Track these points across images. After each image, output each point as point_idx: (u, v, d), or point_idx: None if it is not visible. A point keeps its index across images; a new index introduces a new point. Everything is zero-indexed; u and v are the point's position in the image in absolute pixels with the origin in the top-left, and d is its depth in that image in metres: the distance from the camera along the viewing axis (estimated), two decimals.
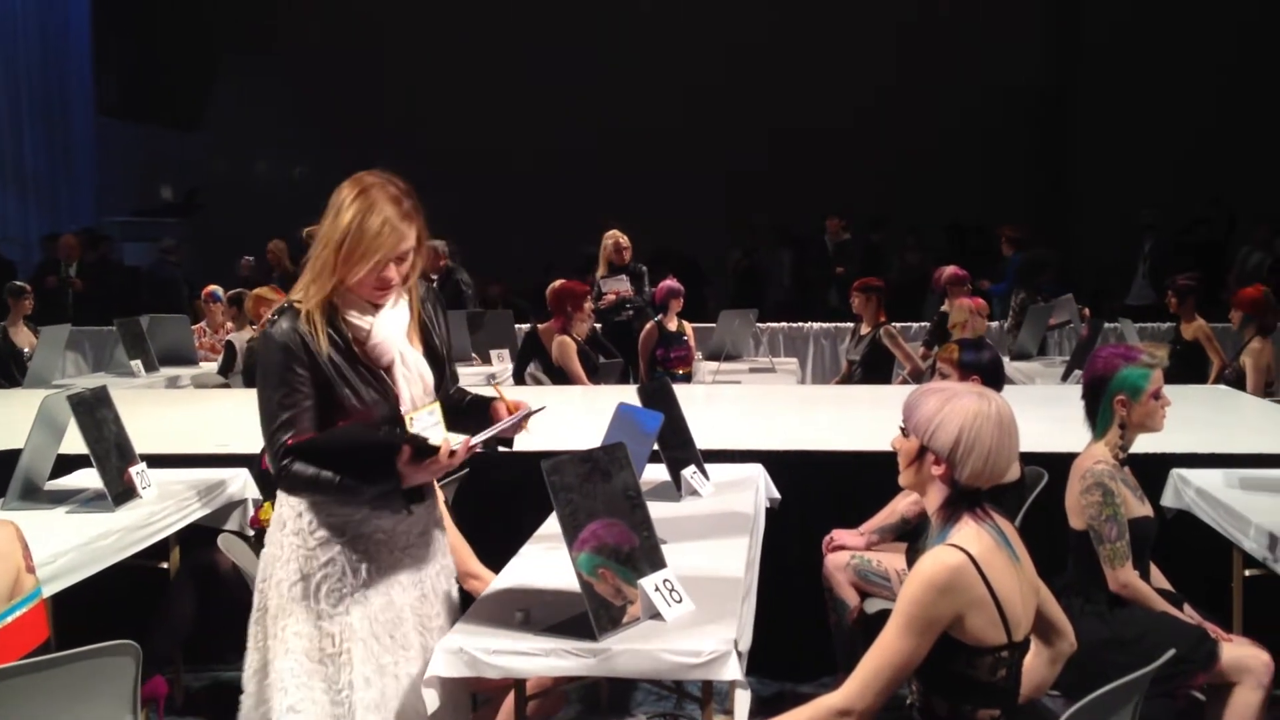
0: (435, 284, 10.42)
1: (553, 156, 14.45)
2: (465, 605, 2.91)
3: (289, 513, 2.70)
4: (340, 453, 2.58)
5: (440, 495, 3.03)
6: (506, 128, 14.73)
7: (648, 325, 8.00)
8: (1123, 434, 3.45)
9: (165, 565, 4.21)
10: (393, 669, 2.67)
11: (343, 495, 2.62)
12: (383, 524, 2.71)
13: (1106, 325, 8.26)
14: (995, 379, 3.94)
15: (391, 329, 2.70)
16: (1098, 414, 3.47)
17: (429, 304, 2.84)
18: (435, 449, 2.56)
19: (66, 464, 4.36)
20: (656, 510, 3.06)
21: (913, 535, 3.94)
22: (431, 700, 2.57)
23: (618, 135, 14.49)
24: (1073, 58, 15.60)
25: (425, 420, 2.69)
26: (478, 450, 2.65)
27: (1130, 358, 3.44)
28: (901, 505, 4.13)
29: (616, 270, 8.87)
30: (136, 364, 7.93)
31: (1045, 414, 4.82)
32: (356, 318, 2.67)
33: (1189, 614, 3.38)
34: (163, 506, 3.99)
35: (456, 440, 2.62)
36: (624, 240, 8.95)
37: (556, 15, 14.95)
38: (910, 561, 3.59)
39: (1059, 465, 3.71)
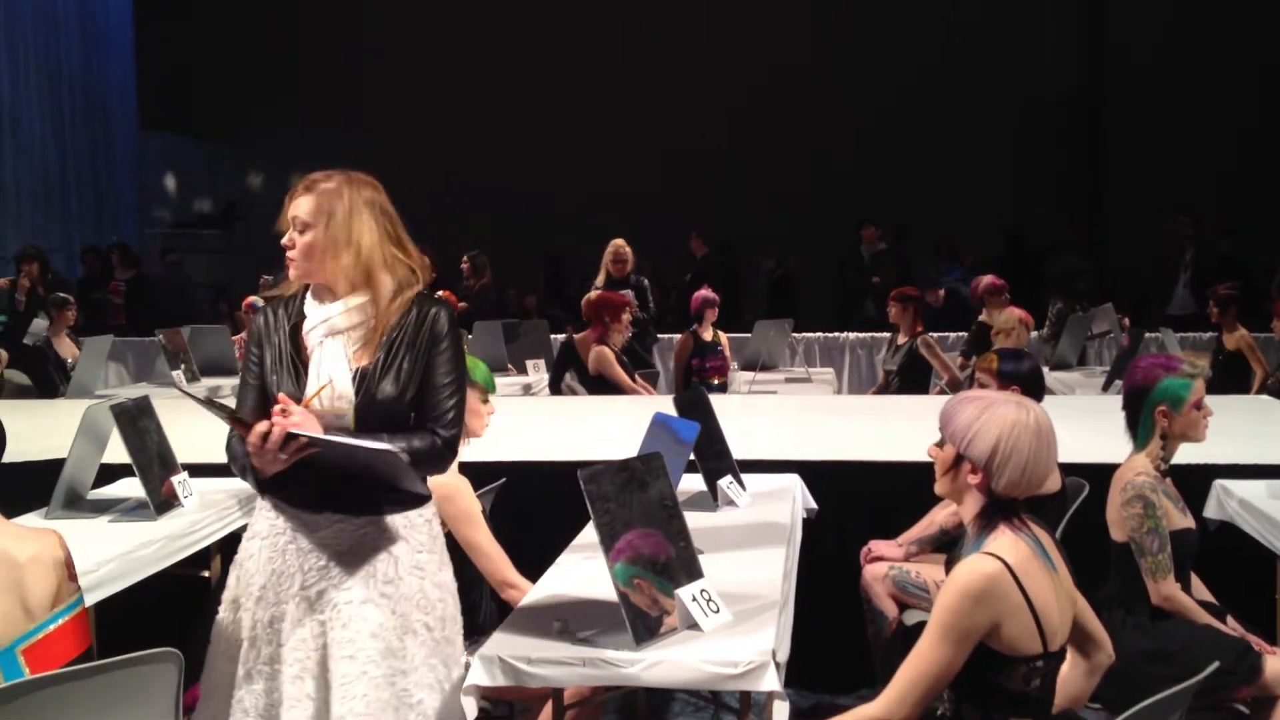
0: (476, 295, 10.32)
1: (584, 169, 14.47)
2: (503, 615, 2.92)
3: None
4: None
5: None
6: (544, 142, 14.75)
7: (681, 335, 7.95)
8: (1164, 445, 3.41)
9: (207, 574, 4.25)
10: (217, 680, 2.82)
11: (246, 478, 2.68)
12: (302, 533, 2.67)
13: (1147, 335, 8.17)
14: (1035, 389, 3.90)
15: (321, 319, 2.65)
16: (1138, 425, 3.44)
17: (422, 331, 2.67)
18: (247, 424, 2.47)
19: (109, 473, 4.40)
20: (693, 520, 3.06)
21: (951, 546, 3.91)
22: (470, 709, 2.57)
23: (653, 145, 14.50)
24: (1111, 63, 15.45)
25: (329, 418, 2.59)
26: (304, 443, 2.45)
27: (1171, 368, 3.41)
28: (940, 516, 4.10)
29: (615, 283, 8.32)
30: (178, 374, 8.00)
31: (1086, 425, 4.78)
32: (309, 304, 2.72)
33: (1232, 626, 3.34)
34: (204, 515, 4.02)
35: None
36: (624, 251, 8.45)
37: (595, 31, 14.98)
38: (949, 573, 3.57)
39: (1100, 476, 3.68)
